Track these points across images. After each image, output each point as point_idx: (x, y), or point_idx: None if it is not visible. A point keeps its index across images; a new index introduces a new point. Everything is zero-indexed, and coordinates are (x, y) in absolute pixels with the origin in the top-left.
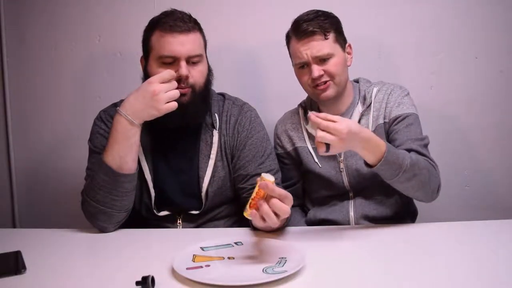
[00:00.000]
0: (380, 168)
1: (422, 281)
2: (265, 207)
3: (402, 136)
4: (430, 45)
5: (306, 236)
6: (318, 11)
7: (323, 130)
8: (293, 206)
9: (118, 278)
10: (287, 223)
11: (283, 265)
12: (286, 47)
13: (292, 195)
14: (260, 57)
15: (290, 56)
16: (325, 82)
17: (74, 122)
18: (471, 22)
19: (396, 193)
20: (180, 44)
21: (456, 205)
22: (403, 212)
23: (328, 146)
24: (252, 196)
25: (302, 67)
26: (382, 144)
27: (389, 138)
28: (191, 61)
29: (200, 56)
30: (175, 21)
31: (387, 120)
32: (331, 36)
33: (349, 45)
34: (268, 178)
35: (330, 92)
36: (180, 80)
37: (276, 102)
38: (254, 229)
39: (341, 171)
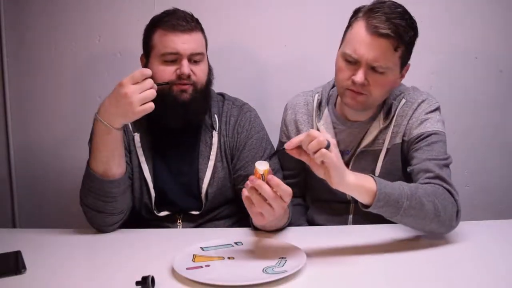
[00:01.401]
0: (376, 209)
1: (422, 281)
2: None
3: (421, 155)
4: (430, 45)
5: (306, 236)
6: (405, 11)
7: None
8: (295, 197)
9: (118, 278)
10: (287, 223)
11: (283, 265)
12: (286, 46)
13: (292, 186)
14: (261, 57)
15: (345, 34)
16: (361, 93)
17: (74, 122)
18: (471, 22)
19: None
20: (183, 42)
21: None
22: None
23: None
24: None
25: (349, 61)
26: (371, 183)
27: (407, 157)
28: (193, 59)
29: (202, 54)
30: (178, 20)
31: (406, 138)
32: (400, 50)
33: (408, 67)
34: (260, 167)
35: (358, 104)
36: (181, 78)
37: (277, 102)
38: (255, 229)
39: None
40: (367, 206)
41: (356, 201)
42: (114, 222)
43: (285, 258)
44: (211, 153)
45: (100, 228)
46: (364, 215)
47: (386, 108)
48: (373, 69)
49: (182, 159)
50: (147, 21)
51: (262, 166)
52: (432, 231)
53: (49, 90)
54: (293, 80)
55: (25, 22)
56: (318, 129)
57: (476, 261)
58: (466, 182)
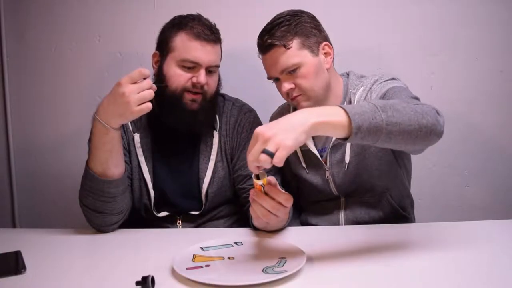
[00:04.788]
0: (357, 130)
1: (422, 281)
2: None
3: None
4: (430, 45)
5: (306, 236)
6: (280, 16)
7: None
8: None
9: (118, 278)
10: (287, 223)
11: (283, 265)
12: None
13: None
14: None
15: None
16: (298, 95)
17: (74, 122)
18: (471, 22)
19: (388, 193)
20: (206, 52)
21: (456, 205)
22: (396, 215)
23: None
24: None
25: (276, 80)
26: (333, 108)
27: None
28: (208, 70)
29: (217, 66)
30: (204, 29)
31: None
32: (294, 43)
33: (326, 44)
34: (258, 180)
35: (305, 104)
36: (195, 86)
37: (278, 103)
38: (254, 229)
39: (327, 179)
40: (346, 138)
41: (345, 196)
42: (113, 222)
43: (285, 258)
44: (212, 153)
45: (99, 228)
46: (354, 202)
47: (348, 99)
48: (289, 72)
49: (182, 159)
50: (147, 21)
51: (259, 181)
52: (424, 134)
53: (49, 90)
54: None
55: (25, 22)
56: None
57: (476, 261)
58: (466, 182)
